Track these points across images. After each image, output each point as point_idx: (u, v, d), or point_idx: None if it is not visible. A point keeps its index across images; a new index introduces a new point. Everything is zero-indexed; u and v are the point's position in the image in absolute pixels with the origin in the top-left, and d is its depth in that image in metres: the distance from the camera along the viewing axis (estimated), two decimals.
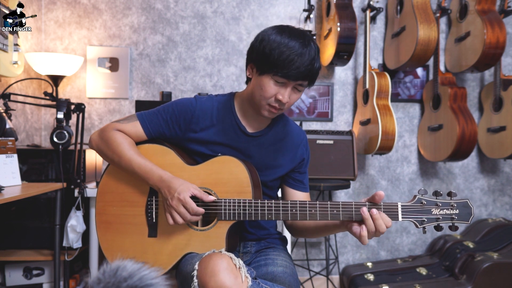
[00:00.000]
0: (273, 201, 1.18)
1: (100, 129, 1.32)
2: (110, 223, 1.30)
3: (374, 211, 1.09)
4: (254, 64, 1.21)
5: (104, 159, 1.32)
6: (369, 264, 2.74)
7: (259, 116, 1.28)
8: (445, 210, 1.11)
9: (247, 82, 1.29)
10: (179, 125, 1.28)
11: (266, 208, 1.17)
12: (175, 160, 1.27)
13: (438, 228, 1.12)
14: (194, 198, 1.17)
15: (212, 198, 1.18)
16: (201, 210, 1.16)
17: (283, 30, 1.17)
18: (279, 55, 1.12)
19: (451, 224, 1.12)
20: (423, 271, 2.57)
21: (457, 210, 1.11)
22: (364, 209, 1.10)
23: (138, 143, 1.30)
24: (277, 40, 1.14)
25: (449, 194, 1.12)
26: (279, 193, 1.48)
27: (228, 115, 1.30)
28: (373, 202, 1.12)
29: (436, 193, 1.12)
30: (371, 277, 2.56)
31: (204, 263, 1.03)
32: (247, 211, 1.18)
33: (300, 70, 1.13)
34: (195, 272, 1.04)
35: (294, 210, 1.17)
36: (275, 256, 1.29)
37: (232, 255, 1.06)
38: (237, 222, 1.22)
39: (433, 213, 1.12)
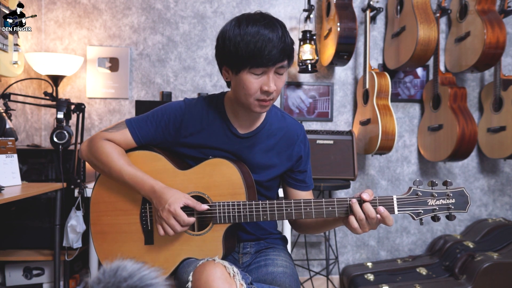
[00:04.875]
0: (267, 202, 1.16)
1: (89, 139, 1.29)
2: (106, 233, 1.28)
3: (367, 205, 1.08)
4: (227, 67, 1.16)
5: (95, 169, 1.30)
6: (369, 264, 2.74)
7: (251, 115, 1.25)
8: (441, 200, 1.10)
9: (229, 85, 1.23)
10: (169, 130, 1.25)
11: (260, 209, 1.16)
12: (166, 166, 1.25)
13: (435, 218, 1.10)
14: (187, 207, 1.16)
15: (205, 207, 1.16)
16: (192, 219, 1.14)
17: (240, 20, 1.11)
18: (246, 47, 1.06)
19: (448, 214, 1.10)
20: (423, 271, 2.57)
21: (454, 200, 1.10)
22: (353, 199, 1.10)
23: (128, 150, 1.28)
24: (238, 33, 1.08)
25: (445, 183, 1.10)
26: (281, 192, 1.47)
27: (218, 118, 1.26)
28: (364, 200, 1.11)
29: (432, 183, 1.10)
30: (371, 277, 2.56)
31: (198, 273, 1.02)
32: (241, 213, 1.17)
33: (274, 52, 1.06)
34: (189, 284, 1.03)
35: (289, 210, 1.15)
36: (275, 257, 1.29)
37: (226, 262, 1.05)
38: (233, 225, 1.21)
39: (429, 204, 1.10)
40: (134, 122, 1.27)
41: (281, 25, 1.11)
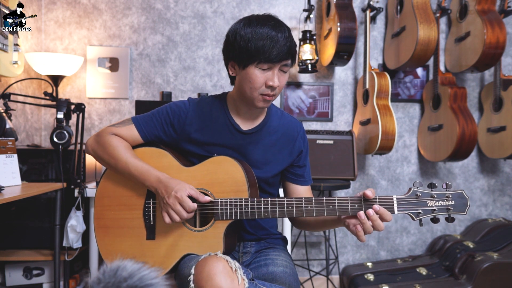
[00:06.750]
0: (269, 199, 1.18)
1: (96, 133, 1.32)
2: (108, 228, 1.30)
3: (371, 212, 1.09)
4: (234, 62, 1.22)
5: (101, 163, 1.33)
6: (369, 264, 2.74)
7: (253, 112, 1.29)
8: (440, 202, 1.11)
9: (232, 83, 1.30)
10: (174, 127, 1.29)
11: (262, 206, 1.18)
12: (171, 162, 1.27)
13: (434, 220, 1.12)
14: (190, 198, 1.17)
15: (208, 198, 1.18)
16: (195, 205, 1.16)
17: (251, 20, 1.19)
18: (256, 43, 1.14)
19: (447, 215, 1.12)
20: (423, 271, 2.57)
21: (453, 201, 1.11)
22: (361, 213, 1.11)
23: (134, 146, 1.31)
24: (249, 32, 1.16)
25: (444, 185, 1.12)
26: (281, 191, 1.47)
27: (221, 115, 1.30)
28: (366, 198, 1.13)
29: (431, 185, 1.12)
30: (371, 277, 2.56)
31: (200, 267, 1.03)
32: (243, 210, 1.18)
33: (281, 50, 1.15)
34: (191, 277, 1.04)
35: (290, 207, 1.17)
36: (275, 256, 1.30)
37: (228, 257, 1.06)
38: (235, 222, 1.22)
39: (428, 205, 1.11)
40: (140, 119, 1.31)
41: (287, 28, 1.20)
